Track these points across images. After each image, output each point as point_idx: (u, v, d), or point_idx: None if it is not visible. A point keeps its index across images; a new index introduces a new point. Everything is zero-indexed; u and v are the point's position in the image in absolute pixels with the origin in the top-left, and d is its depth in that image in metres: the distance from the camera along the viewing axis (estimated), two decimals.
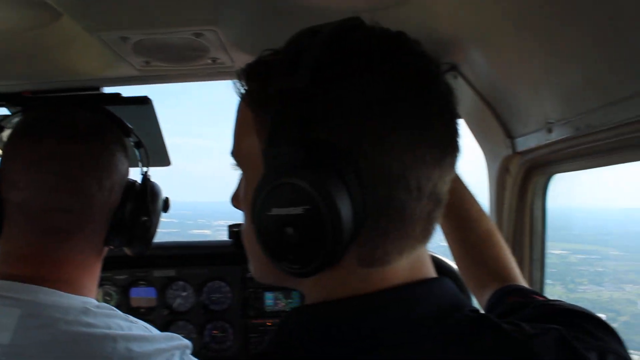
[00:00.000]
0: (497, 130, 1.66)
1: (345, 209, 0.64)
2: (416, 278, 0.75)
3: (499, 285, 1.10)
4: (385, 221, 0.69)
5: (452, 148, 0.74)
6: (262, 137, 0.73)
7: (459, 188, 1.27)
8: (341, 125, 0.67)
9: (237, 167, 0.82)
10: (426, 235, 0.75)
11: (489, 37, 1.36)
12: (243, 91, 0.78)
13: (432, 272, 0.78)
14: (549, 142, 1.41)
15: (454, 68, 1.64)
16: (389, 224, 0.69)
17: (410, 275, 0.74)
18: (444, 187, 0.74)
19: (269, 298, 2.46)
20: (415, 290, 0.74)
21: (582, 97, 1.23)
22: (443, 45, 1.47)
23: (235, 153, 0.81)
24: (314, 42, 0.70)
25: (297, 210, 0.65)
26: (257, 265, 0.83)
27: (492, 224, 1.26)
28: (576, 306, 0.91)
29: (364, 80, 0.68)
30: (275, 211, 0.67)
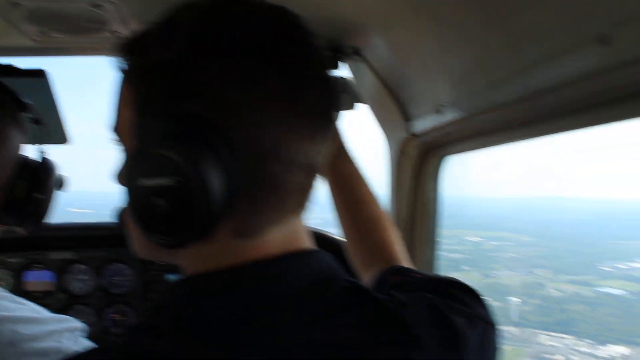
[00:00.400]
0: (396, 114, 1.71)
1: (215, 181, 0.65)
2: (291, 249, 0.76)
3: (384, 267, 1.12)
4: (258, 193, 0.70)
5: (325, 120, 0.75)
6: (136, 110, 0.73)
7: (351, 170, 1.29)
8: (211, 98, 0.67)
9: (118, 143, 0.81)
10: (301, 206, 0.77)
11: (389, 21, 1.39)
12: (121, 64, 0.77)
13: (308, 244, 0.80)
14: (440, 124, 1.47)
15: (357, 52, 1.66)
16: (261, 195, 0.71)
17: (285, 246, 0.76)
18: (319, 159, 0.76)
19: (171, 280, 2.41)
20: (290, 261, 0.75)
21: (469, 80, 1.29)
22: (346, 29, 1.50)
23: (114, 127, 0.80)
24: (190, 14, 0.71)
25: (166, 181, 0.65)
26: (134, 240, 0.82)
27: (382, 207, 1.29)
28: (450, 277, 0.95)
29: (235, 53, 0.68)
30: (144, 182, 0.67)
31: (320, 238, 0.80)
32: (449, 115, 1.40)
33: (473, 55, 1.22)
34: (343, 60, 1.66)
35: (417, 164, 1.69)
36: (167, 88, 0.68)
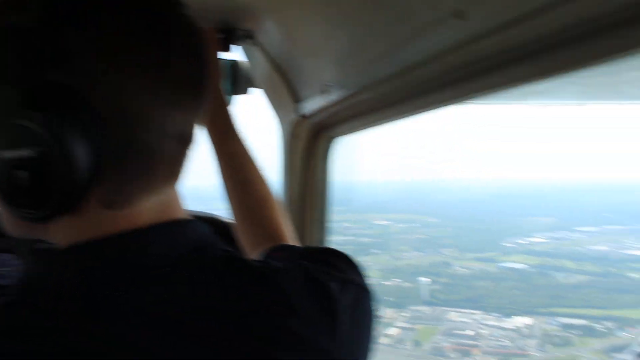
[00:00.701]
0: (287, 96, 1.72)
1: (79, 150, 0.63)
2: (165, 219, 0.75)
3: (271, 246, 1.13)
4: (127, 162, 0.69)
5: (195, 89, 0.75)
6: None
7: (240, 151, 1.29)
8: (73, 66, 0.65)
9: None
10: (174, 176, 0.77)
11: (280, 4, 1.39)
12: None
13: (182, 214, 0.80)
14: (328, 104, 1.50)
15: (250, 36, 1.66)
16: (131, 165, 0.70)
17: (158, 216, 0.75)
18: (190, 129, 0.76)
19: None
20: (161, 231, 0.74)
21: (350, 58, 1.32)
22: (240, 12, 1.49)
23: None
24: None
25: (27, 153, 0.63)
26: (3, 218, 0.79)
27: (271, 188, 1.30)
28: (326, 247, 0.98)
29: (97, 20, 0.67)
30: (4, 155, 0.65)
31: (208, 220, 0.81)
32: (335, 95, 1.42)
33: (354, 34, 1.24)
34: (237, 44, 1.65)
35: (308, 146, 1.72)
36: (25, 55, 0.65)
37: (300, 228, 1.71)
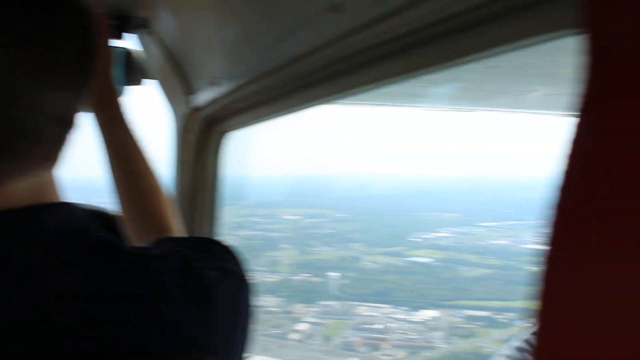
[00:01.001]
0: (180, 88, 1.69)
1: None
2: (39, 202, 0.73)
3: (156, 238, 1.12)
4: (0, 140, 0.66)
5: (79, 72, 0.73)
6: None
7: (128, 141, 1.26)
8: None
9: None
10: (51, 158, 0.74)
11: None
12: None
13: (59, 198, 0.77)
14: (218, 96, 1.48)
15: (145, 24, 1.61)
16: (3, 143, 0.67)
17: (32, 198, 0.72)
18: (70, 111, 0.73)
19: None
20: (34, 213, 0.72)
21: (238, 50, 1.31)
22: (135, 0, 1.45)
23: None
24: None
25: None
26: None
27: (159, 179, 1.28)
28: (210, 237, 0.97)
29: None
30: None
31: (92, 212, 0.78)
32: (225, 87, 1.41)
33: (242, 26, 1.23)
34: (131, 32, 1.60)
35: (200, 139, 1.69)
36: None
37: (191, 222, 1.68)
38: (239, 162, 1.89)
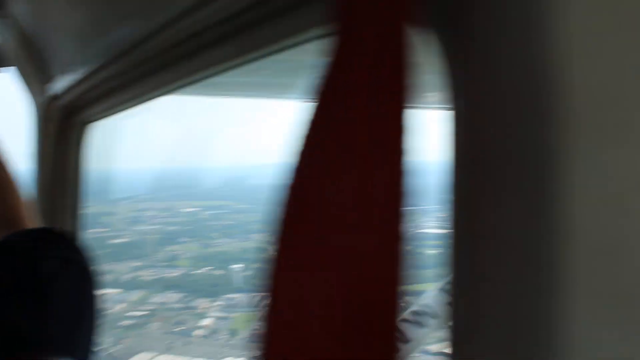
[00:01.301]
0: (38, 75, 1.61)
1: None
2: None
3: (8, 231, 1.08)
4: None
5: None
6: None
7: None
8: None
9: None
10: None
11: None
12: None
13: None
14: (74, 83, 1.42)
15: (1, 6, 1.52)
16: None
17: None
18: None
19: None
20: None
21: (87, 35, 1.26)
22: None
23: None
24: None
25: None
26: None
27: (11, 171, 1.23)
28: (51, 227, 0.94)
29: None
30: None
31: None
32: (79, 73, 1.36)
33: (88, 8, 1.19)
34: None
35: (60, 130, 1.62)
36: None
37: (51, 216, 1.61)
38: (104, 154, 1.83)
